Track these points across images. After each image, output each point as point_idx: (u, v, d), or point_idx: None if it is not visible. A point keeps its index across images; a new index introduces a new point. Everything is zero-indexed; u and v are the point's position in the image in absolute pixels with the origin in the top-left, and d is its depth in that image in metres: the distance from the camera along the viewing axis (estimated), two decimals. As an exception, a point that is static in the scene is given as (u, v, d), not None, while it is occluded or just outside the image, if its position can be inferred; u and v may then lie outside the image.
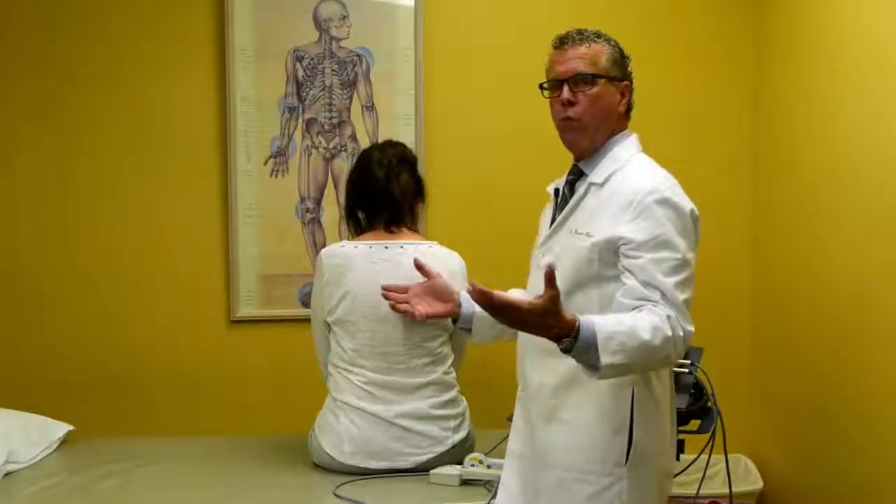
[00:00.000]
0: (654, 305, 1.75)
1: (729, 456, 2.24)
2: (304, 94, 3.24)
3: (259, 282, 3.25)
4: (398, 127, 3.23)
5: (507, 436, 2.11)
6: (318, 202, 3.27)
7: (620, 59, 1.97)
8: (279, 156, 3.24)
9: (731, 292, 3.37)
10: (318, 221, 3.27)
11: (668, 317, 1.74)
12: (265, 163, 3.23)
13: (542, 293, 1.61)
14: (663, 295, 1.77)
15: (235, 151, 3.21)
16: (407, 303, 2.39)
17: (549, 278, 1.59)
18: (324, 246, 3.01)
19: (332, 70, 3.24)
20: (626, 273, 1.81)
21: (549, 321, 1.63)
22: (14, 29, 3.17)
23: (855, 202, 2.62)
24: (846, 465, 2.69)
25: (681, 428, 2.11)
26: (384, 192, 2.59)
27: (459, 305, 2.32)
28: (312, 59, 3.23)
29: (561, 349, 1.68)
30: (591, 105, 1.92)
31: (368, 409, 2.51)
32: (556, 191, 2.06)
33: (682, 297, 1.78)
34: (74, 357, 3.22)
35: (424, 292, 2.40)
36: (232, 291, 3.23)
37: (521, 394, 2.05)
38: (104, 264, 3.22)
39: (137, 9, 3.20)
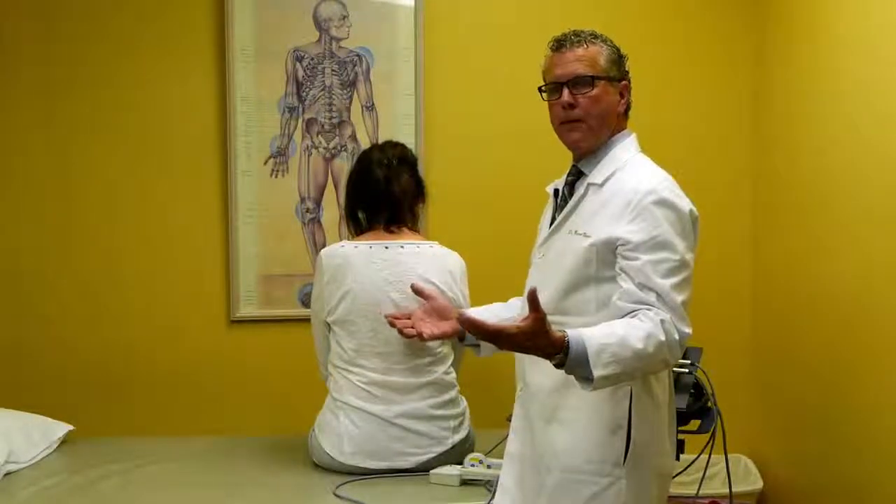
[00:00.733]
0: (648, 309, 1.75)
1: (729, 456, 2.24)
2: (304, 94, 3.24)
3: (259, 282, 3.25)
4: (398, 127, 3.23)
5: (507, 436, 2.11)
6: (318, 202, 3.27)
7: (618, 59, 1.97)
8: (279, 156, 3.24)
9: (731, 292, 3.37)
10: (318, 221, 3.27)
11: (662, 321, 1.74)
12: (265, 163, 3.23)
13: (526, 315, 1.62)
14: (659, 297, 1.76)
15: (235, 151, 3.21)
16: (412, 327, 2.36)
17: (532, 301, 1.60)
18: (324, 246, 3.01)
19: (332, 70, 3.24)
20: (623, 275, 1.81)
21: (538, 341, 1.63)
22: (14, 29, 3.17)
23: (855, 202, 2.63)
24: (846, 465, 2.69)
25: (681, 428, 2.10)
26: (384, 192, 2.59)
27: None
28: (312, 59, 3.23)
29: (554, 365, 1.69)
30: (592, 106, 1.92)
31: (368, 409, 2.51)
32: (556, 191, 2.06)
33: (679, 298, 1.78)
34: (74, 357, 3.22)
35: (428, 313, 2.38)
36: (232, 291, 3.23)
37: (519, 394, 2.05)
38: (104, 264, 3.22)
39: (137, 9, 3.20)
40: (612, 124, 1.96)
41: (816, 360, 2.86)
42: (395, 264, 2.55)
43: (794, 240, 3.04)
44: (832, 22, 2.78)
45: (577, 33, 1.97)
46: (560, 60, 1.95)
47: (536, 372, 1.97)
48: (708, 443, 2.18)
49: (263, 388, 3.26)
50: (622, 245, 1.82)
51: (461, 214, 3.25)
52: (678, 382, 2.14)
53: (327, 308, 2.58)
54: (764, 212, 3.29)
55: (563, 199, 2.02)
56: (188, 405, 3.24)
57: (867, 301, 2.56)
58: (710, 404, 2.18)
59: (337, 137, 3.26)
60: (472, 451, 2.55)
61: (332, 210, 3.25)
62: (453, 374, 2.63)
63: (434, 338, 2.36)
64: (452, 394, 2.61)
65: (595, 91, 1.92)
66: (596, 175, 1.94)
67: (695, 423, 2.17)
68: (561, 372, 1.84)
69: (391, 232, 2.60)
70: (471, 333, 1.69)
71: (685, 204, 1.87)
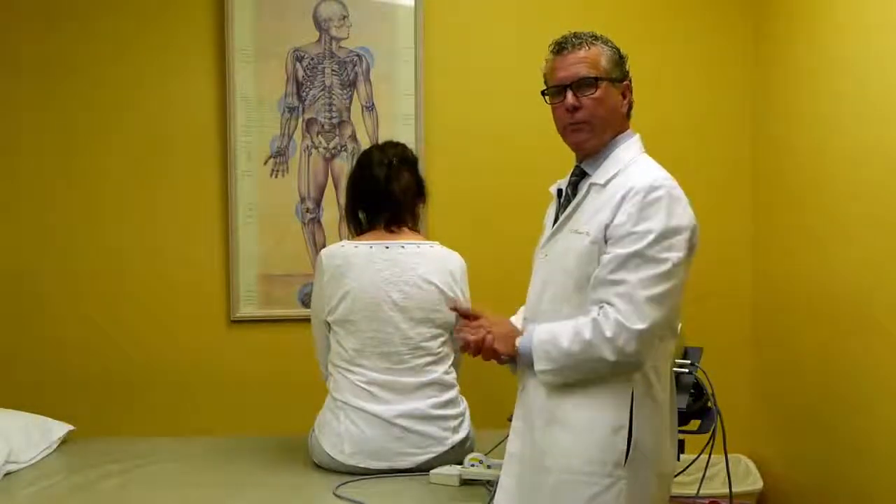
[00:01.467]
0: (599, 308, 1.81)
1: (729, 456, 2.24)
2: (304, 94, 3.24)
3: (259, 282, 3.25)
4: (398, 127, 3.23)
5: (508, 436, 2.10)
6: (318, 202, 3.27)
7: (619, 60, 1.98)
8: (279, 156, 3.24)
9: (731, 292, 3.37)
10: (318, 221, 3.27)
11: (595, 319, 1.79)
12: (265, 163, 3.23)
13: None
14: (621, 289, 1.78)
15: (235, 151, 3.21)
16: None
17: (455, 310, 2.01)
18: (324, 246, 3.01)
19: (332, 70, 3.24)
20: (599, 267, 1.84)
21: (499, 329, 1.95)
22: (14, 29, 3.17)
23: (855, 202, 2.63)
24: (846, 465, 2.69)
25: (681, 428, 2.10)
26: (385, 192, 2.59)
27: None
28: (312, 59, 3.23)
29: (511, 357, 1.93)
30: (596, 107, 1.93)
31: (369, 409, 2.51)
32: (560, 191, 2.06)
33: (644, 293, 1.78)
34: (74, 357, 3.22)
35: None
36: (232, 291, 3.24)
37: (520, 394, 2.05)
38: (104, 264, 3.22)
39: (137, 9, 3.20)
40: (615, 125, 1.97)
41: (816, 360, 2.86)
42: (396, 264, 2.55)
43: (793, 240, 3.04)
44: (832, 22, 2.78)
45: (577, 35, 1.98)
46: (562, 63, 1.96)
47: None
48: (708, 443, 2.18)
49: (263, 387, 3.25)
50: (608, 240, 1.85)
51: (461, 214, 3.25)
52: (678, 382, 2.14)
53: (327, 308, 2.58)
54: (764, 212, 3.29)
55: (566, 199, 2.02)
56: (188, 405, 3.24)
57: (867, 301, 2.56)
58: (710, 404, 2.18)
59: (337, 137, 3.26)
60: (472, 451, 2.55)
61: (332, 210, 3.25)
62: (453, 374, 2.63)
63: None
64: (452, 394, 2.61)
65: (598, 92, 1.93)
66: (599, 175, 1.94)
67: (695, 423, 2.17)
68: None
69: (392, 232, 2.61)
70: (458, 312, 2.02)
71: (681, 208, 1.86)
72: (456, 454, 2.54)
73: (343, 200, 2.96)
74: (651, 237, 1.80)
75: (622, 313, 1.77)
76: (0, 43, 3.17)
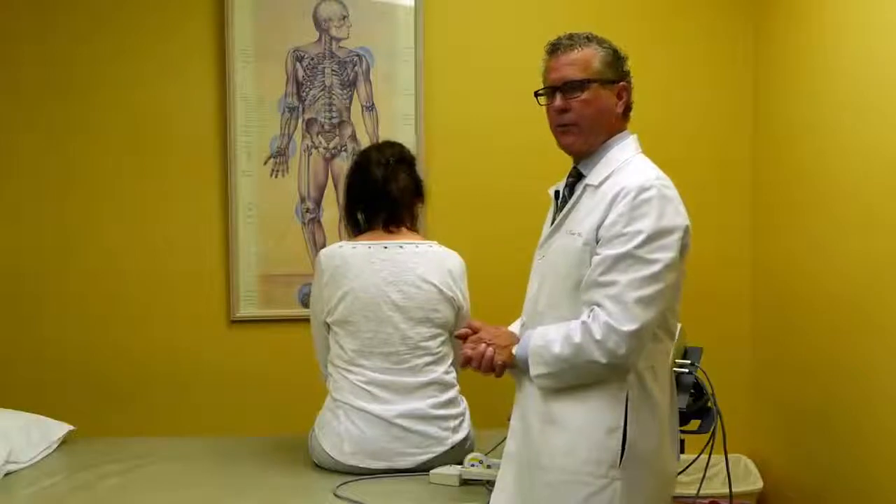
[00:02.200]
0: (590, 310, 1.81)
1: (729, 456, 2.24)
2: (304, 94, 3.24)
3: (259, 282, 3.25)
4: (398, 127, 3.23)
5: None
6: (318, 202, 3.27)
7: (614, 61, 1.97)
8: (279, 156, 3.24)
9: (731, 292, 3.37)
10: (318, 221, 3.27)
11: (584, 322, 1.80)
12: (265, 163, 3.23)
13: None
14: (610, 291, 1.78)
15: (235, 151, 3.21)
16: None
17: (459, 337, 2.06)
18: (324, 246, 3.01)
19: (332, 70, 3.24)
20: (590, 268, 1.84)
21: (498, 340, 1.97)
22: (13, 29, 3.17)
23: (855, 202, 2.63)
24: (846, 465, 2.69)
25: (681, 428, 2.10)
26: (382, 192, 2.59)
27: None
28: (312, 59, 3.23)
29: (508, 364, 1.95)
30: (583, 109, 1.93)
31: (368, 409, 2.51)
32: (557, 193, 2.06)
33: (634, 294, 1.78)
34: (74, 357, 3.22)
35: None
36: (232, 291, 3.23)
37: (518, 394, 2.06)
38: (104, 264, 3.22)
39: (137, 9, 3.20)
40: (608, 126, 1.96)
41: (816, 360, 2.86)
42: (395, 264, 2.55)
43: (793, 240, 3.04)
44: (832, 22, 2.78)
45: (571, 36, 1.98)
46: (554, 65, 1.97)
47: None
48: (708, 443, 2.18)
49: (263, 388, 3.25)
50: (598, 241, 1.85)
51: (461, 214, 3.25)
52: (678, 382, 2.14)
53: (326, 308, 2.58)
54: (764, 212, 3.29)
55: (562, 200, 2.02)
56: (188, 405, 3.24)
57: (867, 301, 2.56)
58: (710, 404, 2.18)
59: (337, 137, 3.26)
60: (472, 451, 2.55)
61: (332, 210, 3.25)
62: (453, 374, 2.63)
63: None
64: (452, 394, 2.61)
65: (587, 94, 1.93)
66: (593, 176, 1.94)
67: (695, 423, 2.17)
68: None
69: (390, 232, 2.60)
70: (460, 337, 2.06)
71: (671, 208, 1.85)
72: (456, 454, 2.54)
73: (341, 200, 2.95)
74: (641, 238, 1.80)
75: (612, 315, 1.77)
76: (0, 44, 3.17)
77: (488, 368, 1.97)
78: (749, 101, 3.36)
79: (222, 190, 3.23)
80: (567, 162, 2.05)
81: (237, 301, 3.24)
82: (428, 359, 2.57)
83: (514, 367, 1.98)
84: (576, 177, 2.01)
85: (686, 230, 1.86)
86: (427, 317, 2.56)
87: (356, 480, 2.45)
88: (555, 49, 1.98)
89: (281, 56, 3.22)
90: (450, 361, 2.63)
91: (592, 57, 1.94)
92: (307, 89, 3.24)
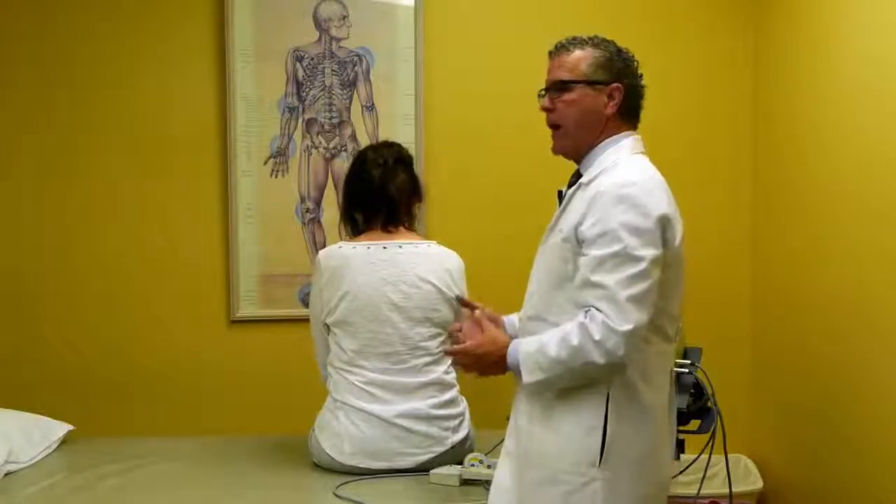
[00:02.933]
0: (586, 311, 1.80)
1: (729, 456, 2.24)
2: (304, 94, 3.24)
3: (259, 282, 3.25)
4: (398, 127, 3.23)
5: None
6: (318, 202, 3.27)
7: (608, 63, 1.95)
8: (279, 156, 3.24)
9: (731, 292, 3.37)
10: (318, 221, 3.27)
11: (581, 324, 1.78)
12: (265, 163, 3.23)
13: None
14: (602, 292, 1.78)
15: (235, 151, 3.21)
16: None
17: (459, 301, 2.08)
18: (324, 246, 3.02)
19: (332, 70, 3.24)
20: (580, 270, 1.84)
21: (483, 350, 1.96)
22: (13, 30, 3.17)
23: (855, 202, 2.63)
24: (846, 465, 2.69)
25: (681, 428, 2.10)
26: (381, 192, 2.59)
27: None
28: (312, 59, 3.23)
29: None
30: (567, 110, 1.95)
31: (368, 410, 2.51)
32: (560, 193, 2.07)
33: (624, 293, 1.77)
34: (74, 357, 3.22)
35: (472, 330, 2.18)
36: (232, 291, 3.23)
37: (515, 391, 2.07)
38: (104, 264, 3.22)
39: (137, 9, 3.20)
40: (596, 127, 1.96)
41: (816, 361, 2.86)
42: (394, 264, 2.55)
43: (793, 240, 3.04)
44: (832, 22, 2.78)
45: (571, 39, 1.99)
46: (550, 66, 1.99)
47: None
48: (708, 443, 2.18)
49: (263, 387, 3.25)
50: (582, 241, 1.84)
51: (461, 214, 3.25)
52: (678, 382, 2.14)
53: (326, 309, 2.58)
54: (764, 212, 3.29)
55: (562, 199, 2.03)
56: (188, 405, 3.24)
57: (867, 301, 2.56)
58: (710, 404, 2.18)
59: (337, 137, 3.26)
60: (472, 451, 2.55)
61: (332, 210, 3.25)
62: (453, 374, 2.63)
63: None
64: (452, 394, 2.61)
65: (571, 95, 1.94)
66: (586, 176, 1.95)
67: (695, 423, 2.17)
68: None
69: (389, 232, 2.60)
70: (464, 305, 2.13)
71: (653, 203, 1.82)
72: (456, 454, 2.54)
73: (340, 201, 2.96)
74: (624, 236, 1.79)
75: (608, 315, 1.77)
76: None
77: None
78: (749, 101, 3.35)
79: (222, 190, 3.23)
80: (569, 162, 2.06)
81: (237, 301, 3.24)
82: (427, 359, 2.57)
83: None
84: (577, 176, 2.01)
85: (666, 223, 1.83)
86: (426, 317, 2.56)
87: (356, 480, 2.45)
88: (553, 52, 2.00)
89: (281, 56, 3.22)
90: (450, 361, 2.62)
91: (582, 59, 1.95)
92: (307, 89, 3.24)
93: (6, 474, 2.52)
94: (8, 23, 3.16)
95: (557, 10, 3.26)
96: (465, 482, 2.42)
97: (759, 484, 3.17)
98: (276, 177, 3.24)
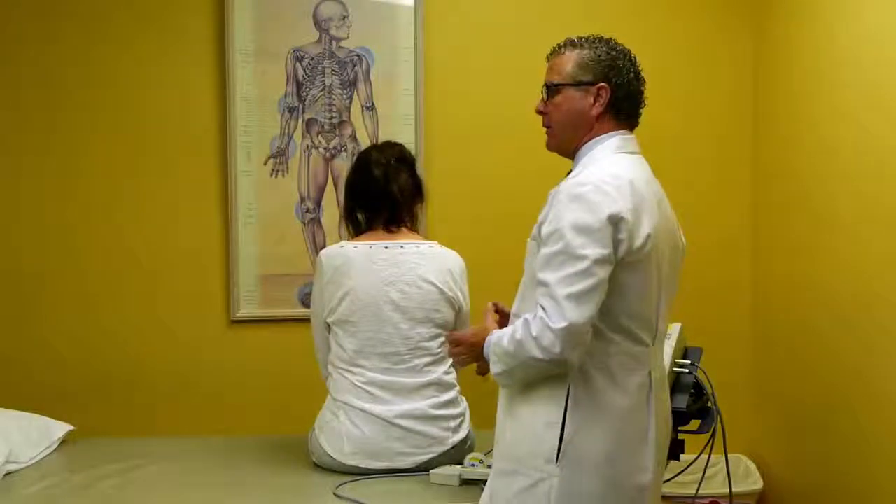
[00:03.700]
0: (536, 308, 1.80)
1: (729, 456, 2.24)
2: (304, 94, 3.24)
3: (259, 282, 3.25)
4: (398, 127, 3.23)
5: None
6: (318, 202, 3.27)
7: (595, 63, 1.94)
8: (279, 156, 3.24)
9: (731, 292, 3.37)
10: (318, 221, 3.27)
11: (526, 319, 1.80)
12: (265, 163, 3.23)
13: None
14: (545, 290, 1.78)
15: (235, 151, 3.21)
16: None
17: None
18: (324, 246, 3.02)
19: (332, 70, 3.24)
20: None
21: (475, 339, 1.97)
22: (14, 30, 3.17)
23: (855, 201, 2.63)
24: (846, 466, 2.69)
25: (681, 428, 2.10)
26: (383, 192, 2.60)
27: None
28: (312, 59, 3.23)
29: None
30: (554, 112, 1.97)
31: (369, 410, 2.51)
32: None
33: (563, 291, 1.76)
34: (74, 357, 3.22)
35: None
36: (232, 291, 3.24)
37: None
38: (104, 264, 3.22)
39: (137, 9, 3.20)
40: (583, 127, 1.95)
41: (816, 360, 2.86)
42: (395, 264, 2.55)
43: (793, 239, 3.04)
44: (832, 21, 2.78)
45: (566, 41, 1.99)
46: (546, 69, 2.01)
47: None
48: (708, 443, 2.18)
49: (263, 388, 3.26)
50: (542, 238, 1.85)
51: (461, 214, 3.25)
52: (678, 382, 2.14)
53: (327, 308, 2.58)
54: (764, 212, 3.29)
55: None
56: (188, 405, 3.24)
57: (867, 301, 2.56)
58: (710, 404, 2.18)
59: (337, 137, 3.26)
60: (472, 451, 2.56)
61: (332, 210, 3.25)
62: (453, 375, 2.63)
63: None
64: (453, 394, 2.61)
65: (558, 98, 1.96)
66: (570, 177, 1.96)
67: (695, 423, 2.17)
68: None
69: (390, 232, 2.61)
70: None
71: (603, 201, 1.79)
72: (456, 454, 2.54)
73: (342, 201, 2.96)
74: (569, 235, 1.78)
75: (546, 312, 1.77)
76: (0, 42, 3.17)
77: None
78: (749, 101, 3.36)
79: (222, 190, 3.23)
80: (568, 162, 2.06)
81: (237, 301, 3.24)
82: (428, 359, 2.57)
83: None
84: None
85: (618, 224, 1.79)
86: (428, 317, 2.56)
87: (356, 480, 2.45)
88: (549, 55, 2.02)
89: (281, 56, 3.22)
90: (450, 362, 2.63)
91: (569, 61, 1.95)
92: (307, 89, 3.24)
93: (6, 474, 2.52)
94: (9, 23, 3.16)
95: (557, 10, 3.26)
96: (465, 482, 2.42)
97: (759, 484, 3.17)
98: (276, 177, 3.24)
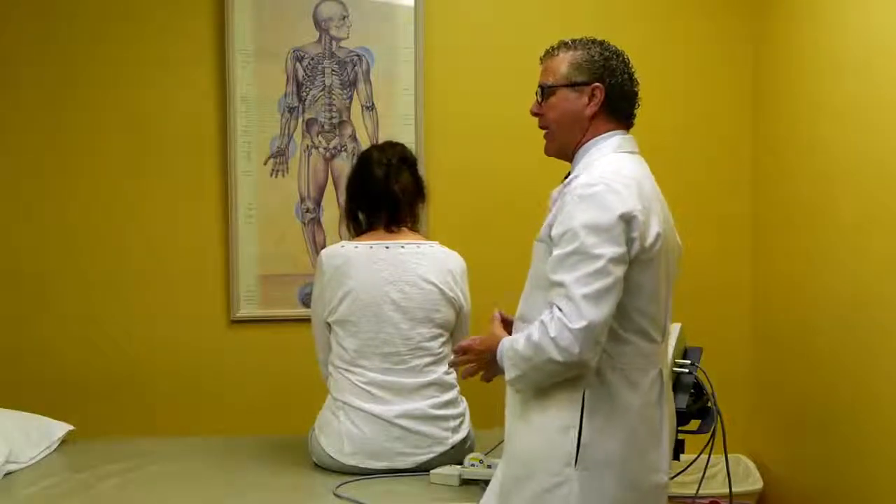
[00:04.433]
0: (550, 309, 1.79)
1: (729, 456, 2.24)
2: (304, 94, 3.24)
3: (259, 282, 3.25)
4: (398, 127, 3.23)
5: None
6: (318, 202, 3.27)
7: (589, 63, 1.94)
8: (279, 156, 3.24)
9: (731, 292, 3.37)
10: (318, 221, 3.27)
11: (542, 321, 1.78)
12: (265, 163, 3.23)
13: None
14: (563, 290, 1.77)
15: (235, 151, 3.21)
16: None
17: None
18: (324, 246, 3.01)
19: (332, 70, 3.24)
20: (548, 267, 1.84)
21: (483, 346, 1.96)
22: (14, 29, 3.17)
23: (855, 202, 2.63)
24: (846, 465, 2.69)
25: (681, 428, 2.10)
26: (384, 192, 2.60)
27: None
28: (312, 59, 3.23)
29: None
30: (549, 113, 1.97)
31: (369, 410, 2.51)
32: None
33: (580, 291, 1.75)
34: (74, 357, 3.22)
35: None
36: (232, 291, 3.23)
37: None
38: (104, 264, 3.22)
39: (137, 9, 3.20)
40: (579, 127, 1.96)
41: (816, 361, 2.86)
42: (396, 264, 2.55)
43: (793, 240, 3.04)
44: (832, 22, 2.78)
45: (559, 43, 2.00)
46: (540, 71, 2.02)
47: None
48: (708, 443, 2.18)
49: (263, 388, 3.26)
50: (553, 239, 1.84)
51: (461, 214, 3.25)
52: (678, 382, 2.14)
53: (328, 308, 2.58)
54: (764, 212, 3.29)
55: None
56: (188, 405, 3.24)
57: (867, 301, 2.56)
58: (710, 404, 2.18)
59: (337, 137, 3.26)
60: (472, 451, 2.56)
61: (332, 210, 3.25)
62: (453, 375, 2.63)
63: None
64: (453, 394, 2.61)
65: (553, 99, 1.96)
66: (570, 177, 1.95)
67: (695, 423, 2.17)
68: None
69: (391, 232, 2.61)
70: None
71: (614, 200, 1.80)
72: (456, 454, 2.54)
73: (343, 200, 2.96)
74: (582, 234, 1.78)
75: (564, 313, 1.76)
76: (0, 42, 3.17)
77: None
78: (749, 101, 3.35)
79: (222, 190, 3.23)
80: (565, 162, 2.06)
81: (237, 301, 3.24)
82: (428, 359, 2.57)
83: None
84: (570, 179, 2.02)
85: (631, 222, 1.80)
86: (428, 317, 2.56)
87: (356, 480, 2.45)
88: (542, 57, 2.02)
89: (281, 56, 3.22)
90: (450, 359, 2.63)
91: (562, 62, 1.96)
92: (307, 89, 3.24)
93: (6, 474, 2.52)
94: (10, 24, 3.16)
95: (557, 11, 3.26)
96: (465, 482, 2.42)
97: (759, 484, 3.17)
98: (276, 177, 3.24)
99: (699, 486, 2.28)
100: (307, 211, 3.26)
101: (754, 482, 3.18)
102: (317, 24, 3.23)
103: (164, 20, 3.20)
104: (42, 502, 2.36)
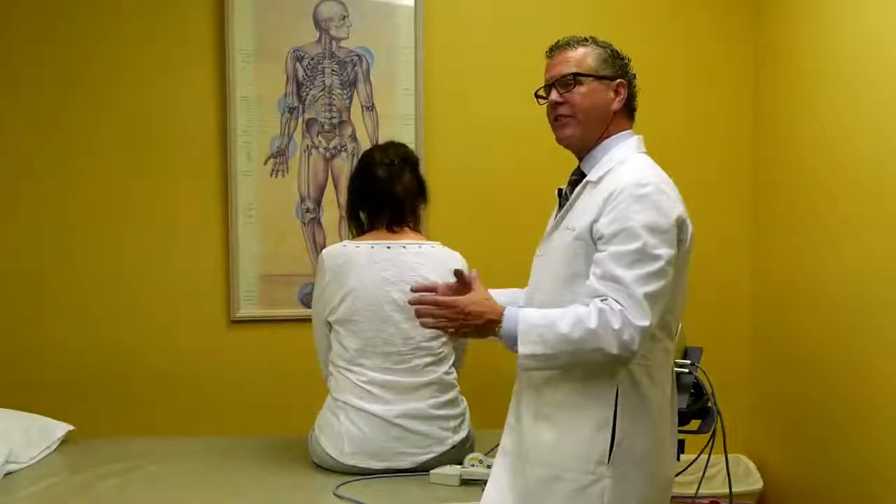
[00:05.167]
0: (603, 299, 1.77)
1: (729, 456, 2.24)
2: (304, 94, 3.24)
3: (259, 282, 3.25)
4: (398, 127, 3.23)
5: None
6: (318, 202, 3.27)
7: (611, 59, 1.98)
8: (279, 156, 3.24)
9: (732, 292, 3.37)
10: (318, 221, 3.27)
11: (602, 310, 1.75)
12: (265, 163, 3.23)
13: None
14: (620, 287, 1.77)
15: (235, 151, 3.21)
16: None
17: (456, 276, 1.94)
18: (324, 246, 3.01)
19: (332, 70, 3.24)
20: (593, 265, 1.83)
21: (476, 308, 1.84)
22: (14, 29, 3.17)
23: (855, 202, 2.63)
24: (846, 465, 2.69)
25: (681, 428, 2.10)
26: (386, 192, 2.60)
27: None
28: (312, 59, 3.23)
29: (498, 335, 1.83)
30: (580, 101, 1.95)
31: (369, 409, 2.51)
32: (561, 191, 2.07)
33: (641, 290, 1.77)
34: (74, 357, 3.22)
35: (457, 292, 2.07)
36: (232, 291, 3.23)
37: (515, 389, 2.06)
38: (104, 264, 3.22)
39: (137, 9, 3.20)
40: (604, 121, 1.97)
41: (816, 360, 2.86)
42: (397, 264, 2.56)
43: (793, 240, 3.04)
44: (832, 22, 2.78)
45: (568, 38, 2.01)
46: (551, 63, 2.01)
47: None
48: (708, 443, 2.18)
49: (263, 388, 3.25)
50: (598, 238, 1.84)
51: (461, 214, 3.25)
52: (678, 382, 2.14)
53: (329, 308, 2.58)
54: (764, 212, 3.29)
55: (564, 198, 2.03)
56: (188, 405, 3.24)
57: (867, 301, 2.56)
58: (710, 404, 2.18)
59: (337, 137, 3.26)
60: (472, 451, 2.56)
61: (332, 210, 3.25)
62: (454, 375, 2.63)
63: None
64: (453, 394, 2.61)
65: (583, 87, 1.95)
66: (593, 174, 1.95)
67: (695, 423, 2.18)
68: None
69: (393, 232, 2.61)
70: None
71: (668, 203, 1.84)
72: (456, 454, 2.55)
73: (343, 200, 2.96)
74: (644, 234, 1.79)
75: (627, 309, 1.76)
76: (0, 42, 3.17)
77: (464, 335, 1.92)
78: (749, 101, 3.36)
79: (222, 190, 3.23)
80: (568, 162, 2.06)
81: (237, 301, 3.24)
82: (429, 359, 2.57)
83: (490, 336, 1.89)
84: (579, 175, 2.01)
85: (681, 225, 1.85)
86: (428, 316, 2.56)
87: (356, 480, 2.46)
88: (552, 50, 2.02)
89: (281, 56, 3.22)
90: (451, 362, 2.63)
91: (587, 55, 1.97)
92: (307, 89, 3.24)
93: (6, 474, 2.52)
94: (9, 24, 3.16)
95: (557, 11, 3.26)
96: (465, 482, 2.42)
97: (759, 484, 3.17)
98: (276, 177, 3.24)
99: (699, 486, 2.28)
100: (307, 211, 3.26)
101: (754, 482, 3.18)
102: (317, 24, 3.23)
103: (164, 20, 3.20)
104: (42, 502, 2.36)
